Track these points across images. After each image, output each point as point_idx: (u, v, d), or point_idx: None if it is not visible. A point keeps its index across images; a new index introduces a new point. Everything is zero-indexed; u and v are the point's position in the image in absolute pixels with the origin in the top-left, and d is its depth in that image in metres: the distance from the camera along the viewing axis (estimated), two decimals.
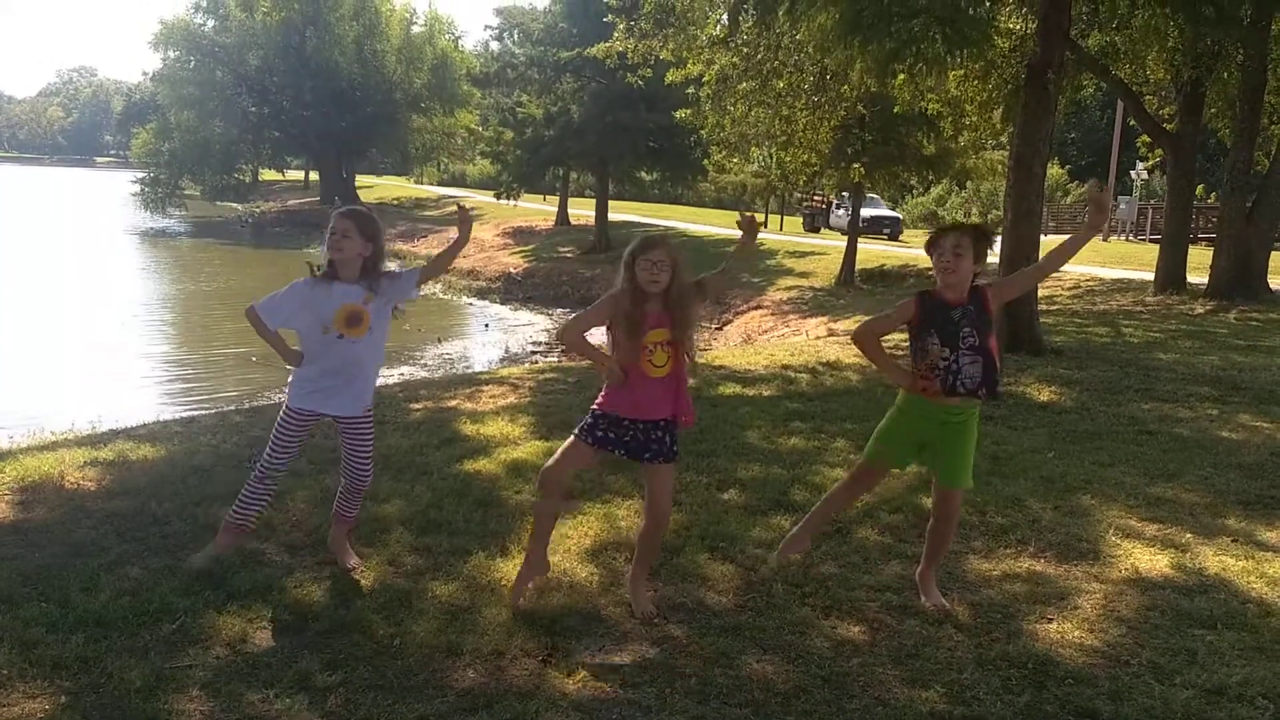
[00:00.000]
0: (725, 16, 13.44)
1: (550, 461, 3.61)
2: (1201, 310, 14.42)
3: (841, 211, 31.31)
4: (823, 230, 36.08)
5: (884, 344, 3.81)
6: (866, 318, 3.98)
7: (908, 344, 3.67)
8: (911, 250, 27.76)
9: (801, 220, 39.27)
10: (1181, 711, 3.04)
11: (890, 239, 33.13)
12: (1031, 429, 6.65)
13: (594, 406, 3.60)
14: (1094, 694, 3.13)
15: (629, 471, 4.87)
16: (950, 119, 16.92)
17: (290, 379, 3.86)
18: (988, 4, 10.22)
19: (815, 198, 37.13)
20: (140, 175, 50.39)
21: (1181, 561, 4.26)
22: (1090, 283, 18.78)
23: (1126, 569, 4.17)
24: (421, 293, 3.97)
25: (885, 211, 36.08)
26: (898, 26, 8.97)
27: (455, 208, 4.10)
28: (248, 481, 3.93)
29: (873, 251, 25.48)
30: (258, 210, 53.70)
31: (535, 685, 3.08)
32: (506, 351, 17.82)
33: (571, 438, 3.60)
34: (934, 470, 3.74)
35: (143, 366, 14.71)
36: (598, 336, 3.73)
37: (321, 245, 3.80)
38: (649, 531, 3.67)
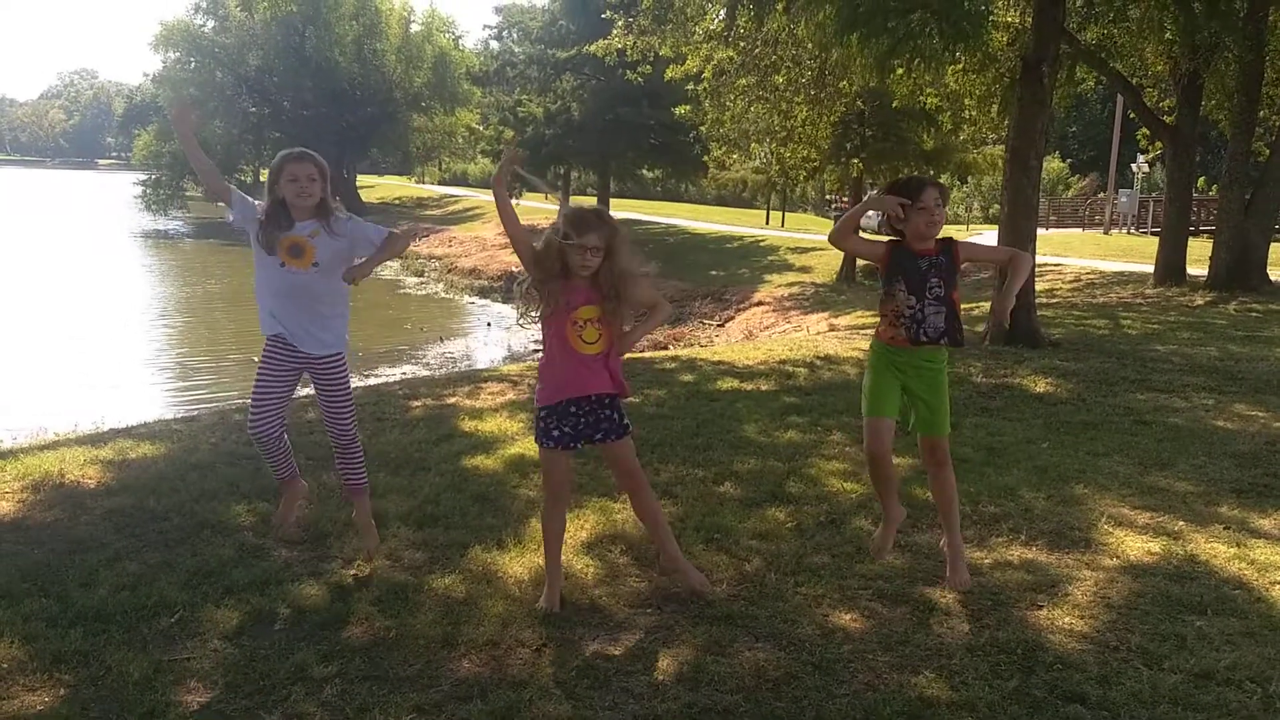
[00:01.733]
0: (723, 11, 13.47)
1: (543, 486, 3.63)
2: (1201, 302, 14.43)
3: (872, 212, 30.52)
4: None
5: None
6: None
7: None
8: None
9: (833, 221, 39.03)
10: (1169, 695, 3.06)
11: None
12: (1026, 420, 6.67)
13: (536, 405, 3.59)
14: (1082, 678, 3.16)
15: None
16: (949, 113, 16.95)
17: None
18: None
19: (844, 199, 37.08)
20: (142, 177, 50.51)
21: (1172, 549, 4.28)
22: (1090, 275, 18.80)
23: (1117, 556, 4.19)
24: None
25: None
26: (895, 22, 9.00)
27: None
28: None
29: None
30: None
31: (529, 675, 3.12)
32: (509, 350, 17.86)
33: (540, 451, 3.61)
34: (916, 425, 3.85)
35: (146, 368, 14.77)
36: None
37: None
38: (640, 506, 3.70)
